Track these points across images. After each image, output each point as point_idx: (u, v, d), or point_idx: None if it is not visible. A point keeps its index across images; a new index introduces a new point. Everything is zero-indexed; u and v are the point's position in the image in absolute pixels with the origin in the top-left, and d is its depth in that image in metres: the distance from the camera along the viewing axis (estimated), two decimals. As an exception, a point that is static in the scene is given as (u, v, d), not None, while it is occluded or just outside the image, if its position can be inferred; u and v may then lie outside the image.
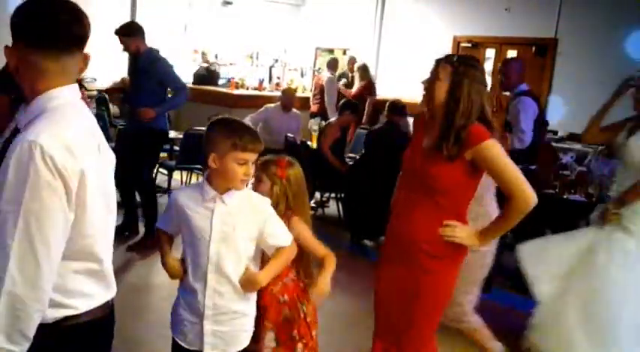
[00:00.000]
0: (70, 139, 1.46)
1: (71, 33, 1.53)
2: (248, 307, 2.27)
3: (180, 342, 2.26)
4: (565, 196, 5.46)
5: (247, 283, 2.20)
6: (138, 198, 5.50)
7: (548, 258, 3.48)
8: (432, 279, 2.56)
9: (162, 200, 6.59)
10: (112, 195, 1.70)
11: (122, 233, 5.31)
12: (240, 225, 2.17)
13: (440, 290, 2.60)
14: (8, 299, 1.40)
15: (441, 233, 2.49)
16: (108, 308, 1.68)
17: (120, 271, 4.63)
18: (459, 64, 2.47)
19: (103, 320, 1.65)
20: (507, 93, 5.50)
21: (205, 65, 10.39)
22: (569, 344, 3.23)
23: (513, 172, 2.45)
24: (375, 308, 2.79)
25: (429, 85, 2.52)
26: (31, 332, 1.44)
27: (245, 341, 2.29)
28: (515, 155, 3.02)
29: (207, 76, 10.26)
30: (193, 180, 7.36)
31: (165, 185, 6.76)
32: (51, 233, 1.43)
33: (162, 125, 5.36)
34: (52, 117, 1.49)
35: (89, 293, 1.60)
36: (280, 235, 2.28)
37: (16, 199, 1.39)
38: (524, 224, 6.47)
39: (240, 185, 2.16)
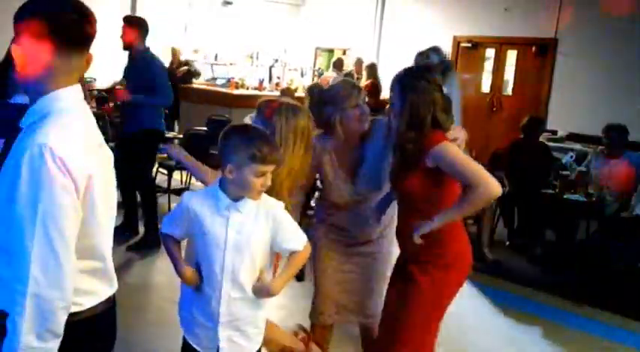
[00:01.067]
0: (77, 142, 1.50)
1: (83, 32, 1.54)
2: (262, 309, 2.24)
3: (193, 345, 2.21)
4: (565, 196, 5.46)
5: (261, 292, 2.16)
6: (138, 197, 5.50)
7: None
8: (423, 287, 2.57)
9: (162, 200, 6.59)
10: (113, 193, 1.72)
11: (122, 233, 5.31)
12: (255, 233, 2.12)
13: (429, 297, 2.58)
14: (34, 301, 1.43)
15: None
16: (109, 303, 1.72)
17: (120, 271, 4.59)
18: (404, 76, 2.57)
19: (104, 314, 1.69)
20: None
21: (185, 67, 10.00)
22: None
23: (475, 166, 2.43)
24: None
25: None
26: (60, 328, 1.48)
27: (259, 339, 2.26)
28: None
29: (187, 76, 9.99)
30: (193, 180, 7.36)
31: (165, 185, 6.75)
32: (67, 232, 1.47)
33: (157, 125, 5.38)
34: (59, 120, 1.51)
35: (93, 290, 1.63)
36: (294, 239, 2.20)
37: (32, 202, 1.42)
38: (525, 224, 6.47)
39: (257, 196, 2.09)
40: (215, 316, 2.14)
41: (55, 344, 1.49)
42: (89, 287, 1.61)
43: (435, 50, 3.58)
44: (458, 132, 2.64)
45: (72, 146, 1.48)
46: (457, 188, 2.52)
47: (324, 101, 2.85)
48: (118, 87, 5.26)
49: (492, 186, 2.38)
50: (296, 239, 2.20)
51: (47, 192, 1.43)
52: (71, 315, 1.55)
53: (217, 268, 2.11)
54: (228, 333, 2.15)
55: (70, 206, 1.47)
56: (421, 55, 3.63)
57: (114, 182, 1.73)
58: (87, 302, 1.61)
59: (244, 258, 2.11)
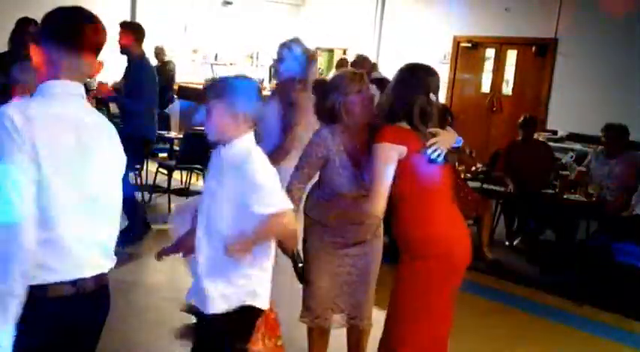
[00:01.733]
0: (32, 113, 1.65)
1: (92, 41, 1.78)
2: (238, 268, 2.11)
3: (190, 302, 2.24)
4: (565, 196, 5.46)
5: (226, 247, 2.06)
6: (138, 196, 5.51)
7: None
8: (402, 277, 2.65)
9: (162, 200, 6.60)
10: (88, 180, 1.78)
11: (127, 234, 5.28)
12: (224, 182, 2.05)
13: (408, 287, 2.62)
14: None
15: None
16: (78, 289, 1.74)
17: (120, 271, 4.60)
18: (403, 68, 2.69)
19: (73, 300, 1.72)
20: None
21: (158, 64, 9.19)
22: None
23: (380, 182, 2.52)
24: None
25: None
26: (16, 272, 1.58)
27: (250, 300, 2.16)
28: None
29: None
30: (193, 180, 7.36)
31: (165, 185, 6.75)
32: (22, 186, 1.60)
33: (144, 132, 5.41)
34: (40, 97, 1.73)
35: (46, 263, 1.67)
36: (267, 203, 2.00)
37: None
38: (525, 224, 6.45)
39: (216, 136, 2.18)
40: (198, 267, 2.16)
41: (16, 287, 1.58)
42: (41, 260, 1.65)
43: (296, 41, 3.81)
44: (442, 134, 2.61)
45: (24, 114, 1.63)
46: (412, 182, 2.54)
47: (327, 90, 2.87)
48: (102, 82, 5.41)
49: (373, 206, 2.54)
50: (269, 203, 2.01)
51: (3, 148, 1.60)
52: (33, 289, 1.63)
53: (200, 214, 2.17)
54: (208, 285, 2.12)
55: (23, 164, 1.61)
56: (283, 46, 3.81)
57: (98, 182, 1.82)
58: (41, 276, 1.66)
59: (216, 207, 2.11)
